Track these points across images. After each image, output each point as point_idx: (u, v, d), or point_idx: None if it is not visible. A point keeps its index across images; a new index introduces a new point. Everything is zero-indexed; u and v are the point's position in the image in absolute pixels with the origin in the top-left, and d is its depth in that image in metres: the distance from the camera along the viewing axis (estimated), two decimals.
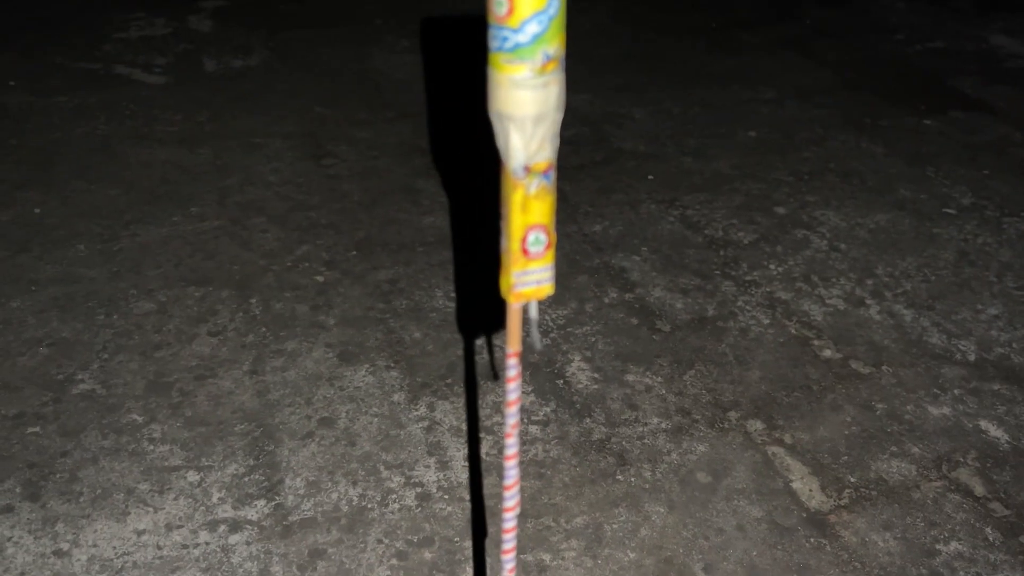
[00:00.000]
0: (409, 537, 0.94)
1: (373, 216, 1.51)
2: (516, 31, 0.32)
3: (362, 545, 0.93)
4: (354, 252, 1.41)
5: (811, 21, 2.54)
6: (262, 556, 0.91)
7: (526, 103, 0.33)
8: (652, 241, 1.46)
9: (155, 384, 1.13)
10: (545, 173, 0.36)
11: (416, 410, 1.11)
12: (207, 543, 0.92)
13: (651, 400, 1.13)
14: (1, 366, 1.14)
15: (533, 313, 0.41)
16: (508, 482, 0.40)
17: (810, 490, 1.01)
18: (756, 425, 1.10)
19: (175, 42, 2.20)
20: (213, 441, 1.05)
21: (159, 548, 0.91)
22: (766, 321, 1.28)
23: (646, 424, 1.09)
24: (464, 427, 1.08)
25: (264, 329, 1.23)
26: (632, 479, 1.02)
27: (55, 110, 1.85)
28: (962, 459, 1.06)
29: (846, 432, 1.10)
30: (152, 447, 1.03)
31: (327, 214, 1.50)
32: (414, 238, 1.46)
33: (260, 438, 1.05)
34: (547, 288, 0.37)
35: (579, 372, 1.17)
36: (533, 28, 0.32)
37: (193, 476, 1.00)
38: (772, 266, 1.40)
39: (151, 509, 0.96)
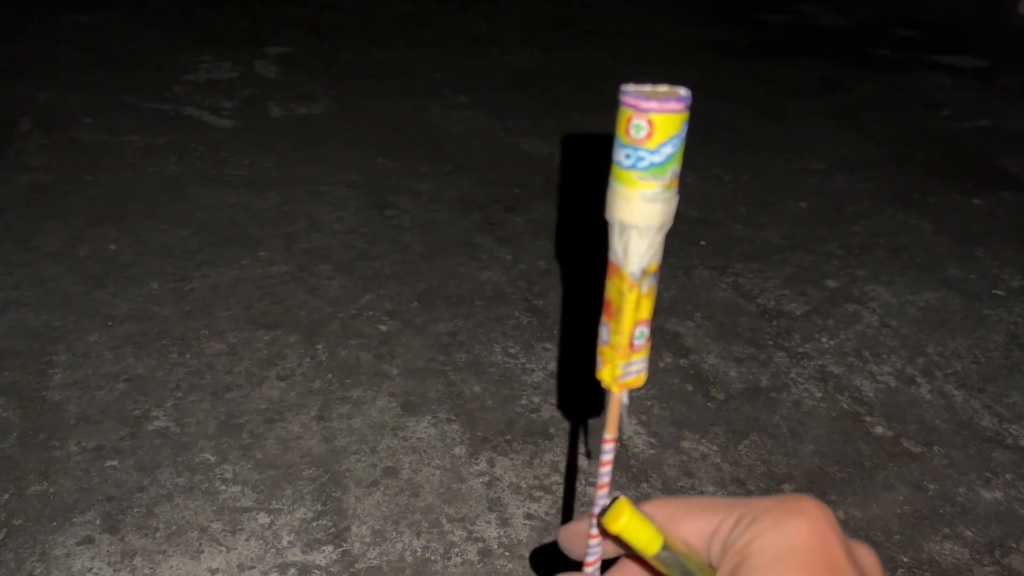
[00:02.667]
0: None
1: (434, 268, 1.55)
2: (652, 152, 0.36)
3: None
4: (415, 303, 1.45)
5: (858, 94, 2.59)
6: None
7: (654, 215, 0.37)
8: (705, 307, 1.50)
9: (226, 425, 1.17)
10: (654, 275, 0.40)
11: (476, 464, 1.14)
12: None
13: (707, 468, 1.16)
14: (81, 399, 1.19)
15: (625, 400, 0.43)
16: (590, 559, 0.42)
17: None
18: None
19: (241, 86, 2.29)
20: (283, 484, 1.08)
21: None
22: (818, 394, 1.30)
23: (702, 492, 1.12)
24: (523, 484, 1.11)
25: (330, 375, 1.27)
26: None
27: (127, 148, 1.92)
28: (1015, 545, 1.07)
29: (898, 511, 1.11)
30: (224, 487, 1.07)
31: (390, 264, 1.55)
32: (473, 292, 1.50)
33: (327, 484, 1.09)
34: (643, 377, 0.41)
35: (635, 436, 1.20)
36: (668, 150, 0.36)
37: (264, 518, 1.03)
38: (824, 339, 1.43)
39: (224, 548, 0.99)
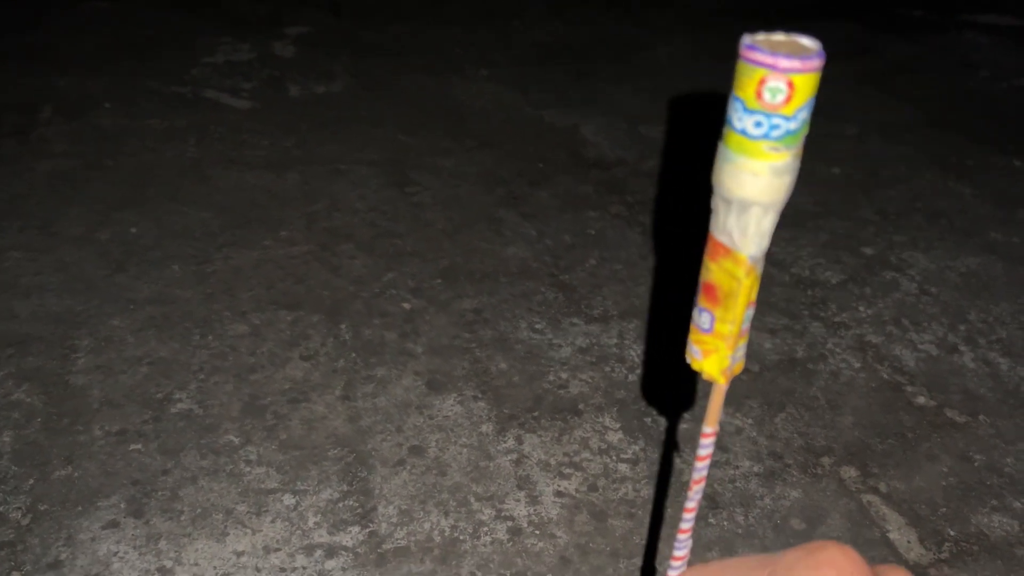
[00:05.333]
0: (502, 572, 0.94)
1: (457, 245, 1.52)
2: (789, 119, 0.30)
3: None
4: (439, 280, 1.43)
5: (891, 56, 2.51)
6: None
7: (783, 189, 0.32)
8: None
9: (250, 406, 1.15)
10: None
11: (504, 442, 1.11)
12: (304, 567, 0.94)
13: (742, 442, 1.12)
14: (104, 383, 1.18)
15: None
16: (679, 553, 0.39)
17: (908, 542, 0.99)
18: (850, 472, 1.08)
19: (260, 67, 2.26)
20: (308, 465, 1.06)
21: (258, 570, 0.93)
22: (857, 365, 1.26)
23: (737, 467, 1.08)
24: (552, 461, 1.09)
25: (354, 355, 1.25)
26: (724, 523, 1.01)
27: (148, 132, 1.91)
28: None
29: (943, 483, 1.07)
30: (249, 469, 1.06)
31: (412, 242, 1.52)
32: (497, 268, 1.47)
33: (353, 464, 1.07)
34: (742, 364, 0.37)
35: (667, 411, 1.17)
36: (804, 114, 0.30)
37: (289, 499, 1.02)
38: (861, 308, 1.38)
39: (249, 531, 0.98)
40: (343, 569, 0.94)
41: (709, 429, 0.37)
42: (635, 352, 1.27)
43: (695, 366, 0.36)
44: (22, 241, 1.47)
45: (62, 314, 1.31)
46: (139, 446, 1.08)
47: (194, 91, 2.11)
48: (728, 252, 0.33)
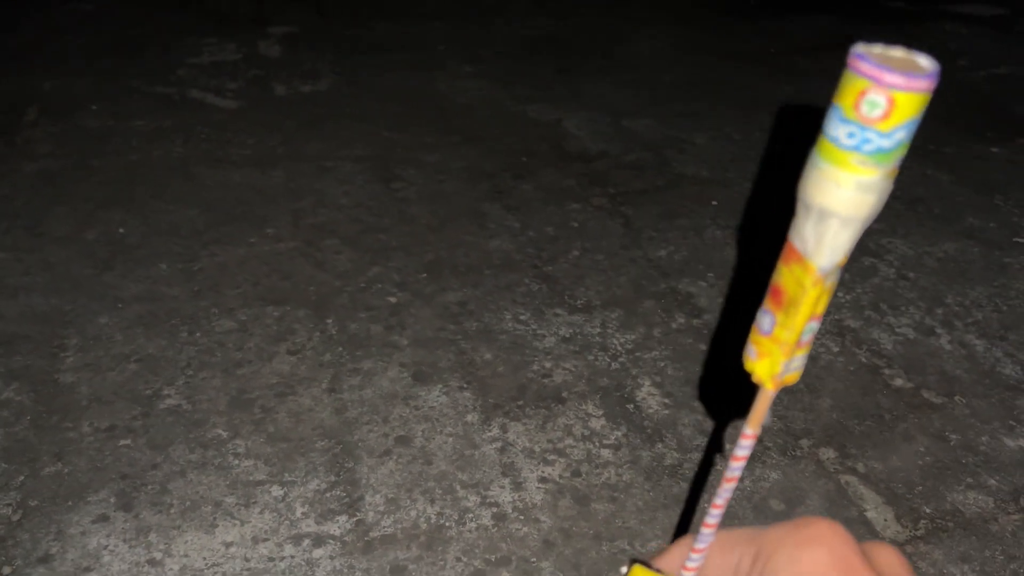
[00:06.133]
0: (487, 556, 0.96)
1: (441, 238, 1.54)
2: (883, 136, 0.30)
3: (442, 563, 0.95)
4: (424, 274, 1.44)
5: None
6: (345, 571, 0.93)
7: (866, 206, 0.32)
8: (718, 267, 1.47)
9: (238, 400, 1.16)
10: (840, 267, 0.35)
11: (489, 431, 1.13)
12: (292, 556, 0.95)
13: (722, 427, 1.14)
14: (93, 380, 1.19)
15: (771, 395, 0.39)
16: (699, 546, 0.40)
17: (885, 520, 1.01)
18: (828, 453, 1.10)
19: (246, 67, 2.27)
20: (295, 457, 1.08)
21: (247, 560, 0.95)
22: (836, 349, 1.28)
23: (718, 451, 1.10)
24: (536, 449, 1.10)
25: (340, 348, 1.26)
26: (706, 505, 1.03)
27: (133, 133, 1.92)
28: None
29: (920, 462, 1.09)
30: (237, 462, 1.07)
31: (397, 236, 1.54)
32: (481, 260, 1.48)
33: (340, 455, 1.08)
34: (797, 374, 0.37)
35: (649, 397, 1.19)
36: (900, 135, 0.30)
37: (277, 491, 1.03)
38: (840, 294, 1.40)
39: (238, 522, 0.99)
40: (331, 557, 0.95)
41: (750, 431, 0.37)
42: (617, 341, 1.29)
43: (747, 366, 0.36)
44: (8, 242, 1.48)
45: (50, 313, 1.32)
46: (128, 441, 1.09)
47: (180, 91, 2.12)
48: (800, 259, 0.33)
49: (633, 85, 2.21)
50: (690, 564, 0.38)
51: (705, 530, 0.38)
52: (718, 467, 1.07)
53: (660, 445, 1.11)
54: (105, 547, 0.95)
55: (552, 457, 1.09)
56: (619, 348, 1.28)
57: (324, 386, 1.19)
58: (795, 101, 2.14)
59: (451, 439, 1.11)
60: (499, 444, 1.11)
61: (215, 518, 0.99)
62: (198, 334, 1.29)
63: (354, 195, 1.67)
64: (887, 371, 1.24)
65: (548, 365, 1.24)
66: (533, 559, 0.96)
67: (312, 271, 1.43)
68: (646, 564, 0.41)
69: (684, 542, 0.40)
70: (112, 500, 1.01)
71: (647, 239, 1.55)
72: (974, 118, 2.04)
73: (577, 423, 1.14)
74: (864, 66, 0.29)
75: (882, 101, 0.29)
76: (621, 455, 1.09)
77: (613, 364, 1.25)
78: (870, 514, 1.02)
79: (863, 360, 1.26)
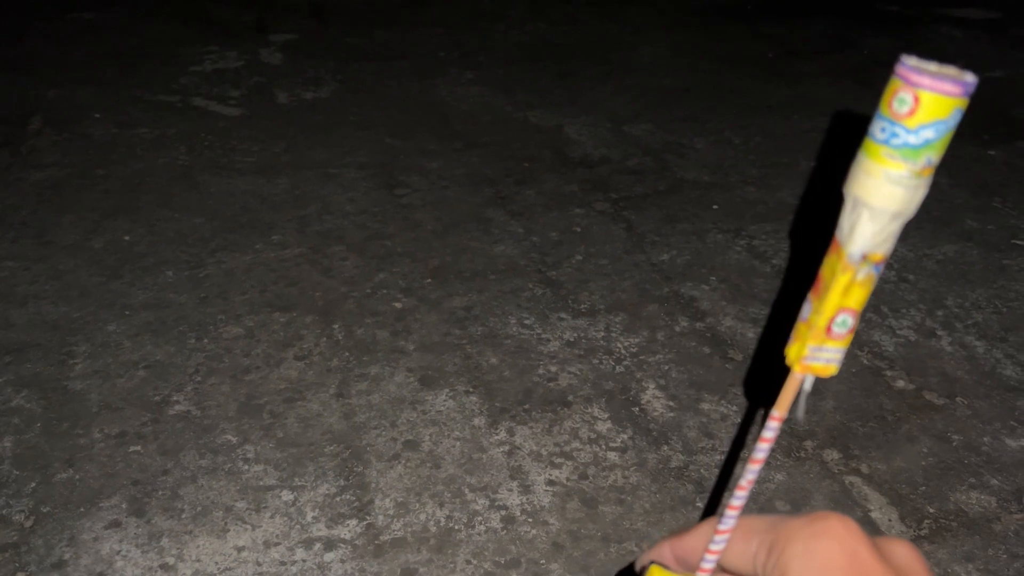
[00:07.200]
0: (497, 559, 0.97)
1: (446, 244, 1.55)
2: (910, 132, 0.32)
3: (452, 565, 0.96)
4: (429, 280, 1.45)
5: (868, 51, 2.55)
6: (357, 574, 0.94)
7: (893, 199, 0.34)
8: (720, 270, 1.49)
9: (247, 406, 1.18)
10: (877, 265, 0.37)
11: (496, 434, 1.14)
12: (304, 560, 0.96)
13: (727, 429, 1.15)
14: (102, 387, 1.20)
15: (808, 386, 0.41)
16: (724, 527, 0.41)
17: (889, 520, 1.02)
18: (832, 455, 1.11)
19: (248, 75, 2.29)
20: (304, 462, 1.09)
21: (259, 564, 0.96)
22: None
23: (723, 452, 1.11)
24: (543, 452, 1.11)
25: (347, 354, 1.27)
26: (712, 506, 1.04)
27: (137, 141, 1.93)
28: None
29: (923, 463, 1.11)
30: (247, 467, 1.08)
31: (402, 242, 1.55)
32: (486, 266, 1.50)
33: (349, 459, 1.09)
34: (833, 368, 0.38)
35: (654, 400, 1.20)
36: (928, 134, 0.32)
37: (287, 495, 1.04)
38: None
39: (249, 527, 1.00)
40: (342, 561, 0.96)
41: (777, 413, 0.39)
42: (621, 344, 1.30)
43: (786, 349, 0.38)
44: (16, 251, 1.49)
45: (58, 321, 1.33)
46: (138, 447, 1.10)
47: (183, 100, 2.13)
48: (837, 248, 0.36)
49: (633, 90, 2.22)
50: (713, 547, 0.39)
51: (730, 512, 0.39)
52: (726, 468, 1.08)
53: (666, 447, 1.12)
54: (118, 552, 0.96)
55: (559, 460, 1.10)
56: (623, 352, 1.29)
57: (332, 391, 1.20)
58: (794, 105, 2.16)
59: (459, 443, 1.13)
60: (506, 447, 1.12)
61: (226, 523, 1.00)
62: (206, 340, 1.30)
63: (359, 202, 1.68)
64: (889, 373, 1.25)
65: (553, 369, 1.25)
66: (542, 561, 0.97)
67: (318, 277, 1.45)
68: (663, 565, 0.42)
69: (708, 523, 0.41)
70: (124, 506, 1.02)
71: (650, 243, 1.56)
72: (971, 121, 2.06)
73: (583, 426, 1.15)
74: (902, 69, 0.32)
75: (909, 98, 0.31)
76: (628, 458, 1.10)
77: (618, 367, 1.26)
78: (875, 514, 1.03)
79: (865, 362, 1.27)
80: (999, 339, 1.32)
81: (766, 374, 1.25)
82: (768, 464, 1.10)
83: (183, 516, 1.01)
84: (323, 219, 1.62)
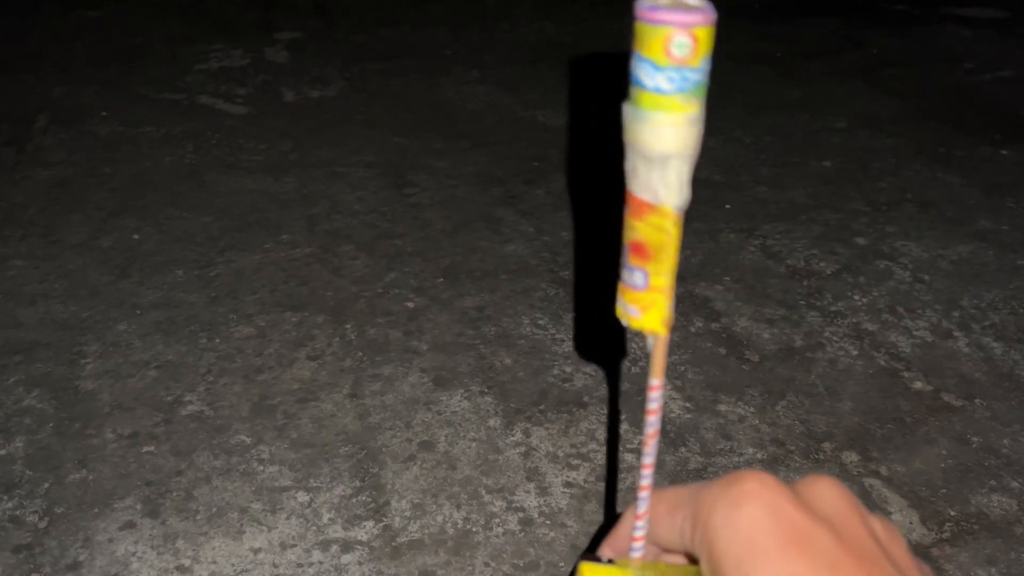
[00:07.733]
0: (515, 561, 0.96)
1: (456, 244, 1.54)
2: (696, 70, 0.33)
3: (470, 568, 0.95)
4: (440, 279, 1.44)
5: (877, 51, 2.55)
6: None
7: (695, 138, 0.35)
8: (734, 270, 1.48)
9: (260, 406, 1.16)
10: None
11: (512, 435, 1.13)
12: (320, 562, 0.95)
13: (744, 430, 1.14)
14: (114, 387, 1.19)
15: (651, 342, 0.41)
16: (640, 511, 0.40)
17: (910, 523, 1.02)
18: (851, 457, 1.10)
19: (254, 73, 2.28)
20: (319, 463, 1.08)
21: (275, 566, 0.94)
22: (854, 352, 1.28)
23: (741, 454, 1.10)
24: (560, 453, 1.10)
25: (360, 354, 1.26)
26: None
27: (144, 140, 1.92)
28: None
29: (942, 465, 1.10)
30: (262, 468, 1.07)
31: (412, 242, 1.54)
32: (497, 266, 1.49)
33: (364, 460, 1.08)
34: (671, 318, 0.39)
35: (671, 401, 1.19)
36: (707, 66, 0.34)
37: (303, 496, 1.03)
38: (856, 297, 1.41)
39: (265, 528, 0.99)
40: (359, 563, 0.95)
41: (656, 382, 0.38)
42: (636, 345, 1.29)
43: (634, 324, 0.38)
44: (25, 249, 1.48)
45: (68, 320, 1.32)
46: (151, 448, 1.09)
47: (189, 98, 2.12)
48: (653, 208, 0.36)
49: None
50: (637, 533, 0.39)
51: (641, 493, 0.38)
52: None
53: (683, 449, 1.11)
54: (133, 554, 0.95)
55: (576, 462, 1.09)
56: (638, 352, 1.28)
57: (346, 391, 1.19)
58: (803, 104, 2.15)
59: (474, 444, 1.12)
60: (523, 449, 1.11)
61: (242, 524, 0.99)
62: (217, 340, 1.29)
63: (367, 201, 1.67)
64: (906, 374, 1.25)
65: (568, 370, 1.24)
66: (561, 564, 0.96)
67: (329, 277, 1.43)
68: (594, 559, 0.41)
69: (628, 514, 0.40)
70: (138, 507, 1.01)
71: None
72: (982, 121, 2.05)
73: (600, 427, 1.14)
74: (659, 15, 0.33)
75: (687, 40, 0.32)
76: None
77: (633, 368, 1.25)
78: (895, 517, 1.02)
79: (882, 363, 1.27)
80: (1017, 340, 1.31)
81: (784, 375, 1.24)
82: (787, 466, 1.09)
83: (198, 517, 1.00)
84: (332, 218, 1.61)
